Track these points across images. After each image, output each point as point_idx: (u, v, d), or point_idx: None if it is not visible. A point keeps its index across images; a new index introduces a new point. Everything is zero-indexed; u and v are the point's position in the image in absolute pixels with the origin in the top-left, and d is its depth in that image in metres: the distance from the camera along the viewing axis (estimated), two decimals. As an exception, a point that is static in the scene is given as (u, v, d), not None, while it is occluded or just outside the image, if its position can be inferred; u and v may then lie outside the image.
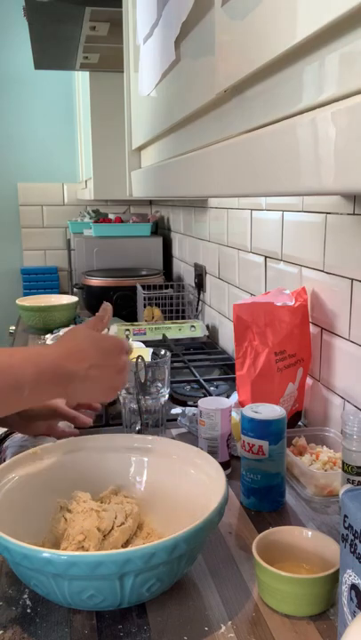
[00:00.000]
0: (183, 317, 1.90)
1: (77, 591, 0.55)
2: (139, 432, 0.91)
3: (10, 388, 0.66)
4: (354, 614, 0.50)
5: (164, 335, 1.65)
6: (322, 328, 1.02)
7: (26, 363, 0.68)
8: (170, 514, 0.72)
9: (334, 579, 0.59)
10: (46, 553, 0.54)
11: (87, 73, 2.01)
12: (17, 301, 1.92)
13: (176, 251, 2.31)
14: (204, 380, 1.29)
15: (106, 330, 0.87)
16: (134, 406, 0.95)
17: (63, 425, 0.96)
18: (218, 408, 0.89)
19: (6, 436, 0.92)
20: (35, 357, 0.69)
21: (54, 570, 0.54)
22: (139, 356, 0.96)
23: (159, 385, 0.97)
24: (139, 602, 0.61)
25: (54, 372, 0.69)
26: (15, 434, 0.92)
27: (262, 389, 0.98)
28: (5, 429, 0.93)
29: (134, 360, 0.95)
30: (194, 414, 1.05)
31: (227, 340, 1.60)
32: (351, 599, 0.50)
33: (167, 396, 1.00)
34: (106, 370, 0.73)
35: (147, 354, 1.04)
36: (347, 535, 0.50)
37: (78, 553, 0.59)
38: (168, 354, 1.02)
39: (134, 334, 1.63)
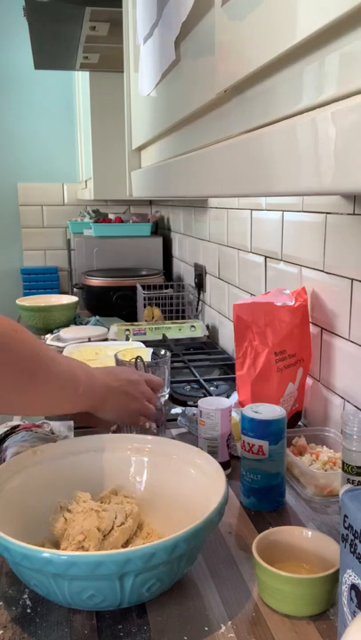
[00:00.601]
0: (183, 317, 1.90)
1: (77, 591, 0.55)
2: (142, 430, 0.91)
3: (70, 381, 0.74)
4: (354, 614, 0.50)
5: (164, 335, 1.65)
6: (322, 328, 1.02)
7: (79, 365, 0.78)
8: (170, 514, 0.72)
9: (334, 579, 0.59)
10: (46, 553, 0.54)
11: (87, 73, 2.01)
12: (17, 301, 1.92)
13: (176, 251, 2.31)
14: (204, 380, 1.29)
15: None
16: None
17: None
18: (218, 408, 0.89)
19: (6, 435, 0.92)
20: (81, 364, 0.80)
21: (54, 570, 0.54)
22: (138, 357, 0.96)
23: None
24: (139, 602, 0.61)
25: (98, 381, 0.80)
26: (15, 434, 0.92)
27: (262, 389, 0.98)
28: (5, 429, 0.93)
29: (133, 360, 0.95)
30: (194, 414, 1.05)
31: (227, 339, 1.60)
32: (351, 599, 0.50)
33: (167, 395, 1.00)
34: (133, 392, 0.84)
35: (146, 354, 1.04)
36: (347, 535, 0.50)
37: (78, 553, 0.59)
38: (168, 354, 1.02)
39: (134, 334, 1.64)
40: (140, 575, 0.56)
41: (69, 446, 0.78)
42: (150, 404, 0.87)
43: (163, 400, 0.97)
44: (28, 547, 0.55)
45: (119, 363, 0.99)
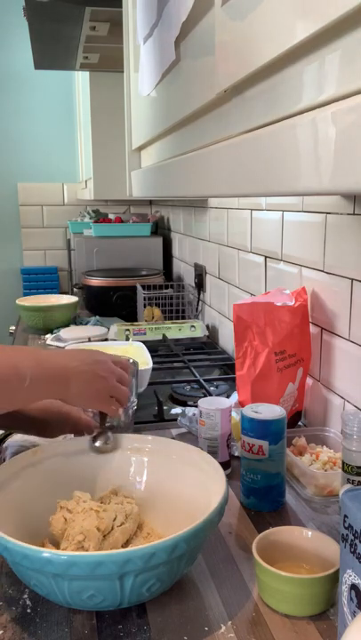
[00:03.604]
0: (183, 317, 1.90)
1: (77, 591, 0.55)
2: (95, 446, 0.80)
3: (12, 375, 0.68)
4: (354, 614, 0.50)
5: (164, 335, 1.65)
6: (322, 328, 1.02)
7: (26, 354, 0.72)
8: (170, 514, 0.72)
9: (334, 579, 0.59)
10: (46, 553, 0.54)
11: (87, 73, 2.01)
12: (17, 301, 1.92)
13: (176, 251, 2.31)
14: (204, 380, 1.29)
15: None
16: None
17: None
18: (218, 408, 0.89)
19: (6, 435, 0.92)
20: (33, 351, 0.73)
21: (54, 570, 0.54)
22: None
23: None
24: (139, 602, 0.61)
25: (53, 364, 0.72)
26: (15, 434, 0.92)
27: (262, 389, 0.98)
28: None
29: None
30: (194, 414, 1.05)
31: (227, 339, 1.60)
32: (351, 599, 0.50)
33: (135, 406, 0.92)
34: (99, 370, 0.75)
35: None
36: (347, 535, 0.50)
37: (78, 553, 0.59)
38: (137, 362, 0.92)
39: (134, 334, 1.63)
40: (140, 575, 0.56)
41: (69, 446, 0.78)
42: (122, 386, 0.77)
43: (131, 411, 0.89)
44: (28, 547, 0.55)
45: None
